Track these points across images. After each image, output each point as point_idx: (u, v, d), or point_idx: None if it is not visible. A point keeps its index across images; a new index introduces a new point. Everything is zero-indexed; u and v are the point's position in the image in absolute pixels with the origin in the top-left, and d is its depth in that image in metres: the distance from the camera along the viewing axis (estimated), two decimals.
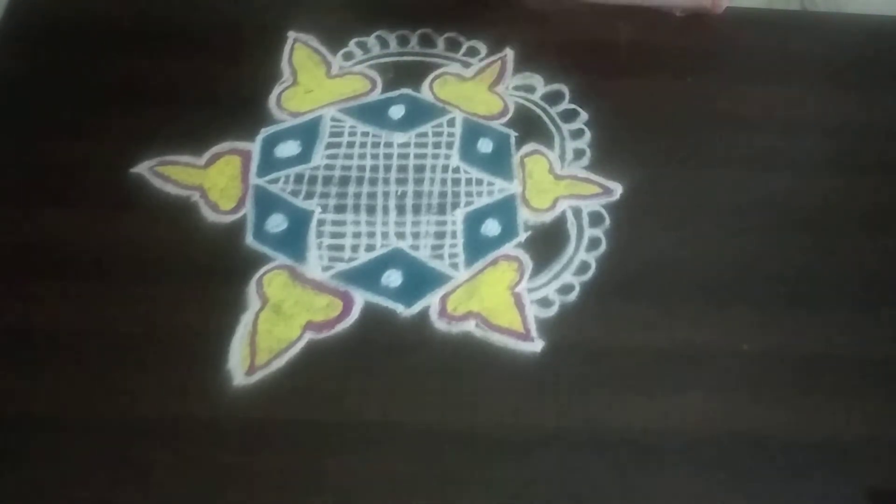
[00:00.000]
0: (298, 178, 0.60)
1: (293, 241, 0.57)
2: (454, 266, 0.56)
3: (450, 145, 0.62)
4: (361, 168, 0.60)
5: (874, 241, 0.60)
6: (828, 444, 0.51)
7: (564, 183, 0.61)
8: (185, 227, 0.57)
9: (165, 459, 0.48)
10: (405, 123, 0.63)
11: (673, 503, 0.49)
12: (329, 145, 0.62)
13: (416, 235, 0.58)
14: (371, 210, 0.58)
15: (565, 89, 0.66)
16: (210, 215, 0.58)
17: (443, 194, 0.60)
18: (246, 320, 0.53)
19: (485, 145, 0.62)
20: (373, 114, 0.64)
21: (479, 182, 0.60)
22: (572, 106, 0.65)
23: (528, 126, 0.64)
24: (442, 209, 0.59)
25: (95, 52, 0.66)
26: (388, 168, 0.61)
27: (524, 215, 0.59)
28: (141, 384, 0.50)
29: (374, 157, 0.61)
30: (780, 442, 0.51)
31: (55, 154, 0.60)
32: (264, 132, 0.62)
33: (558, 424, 0.51)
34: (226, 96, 0.64)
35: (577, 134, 0.64)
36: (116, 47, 0.66)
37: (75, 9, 0.68)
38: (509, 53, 0.68)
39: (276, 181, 0.60)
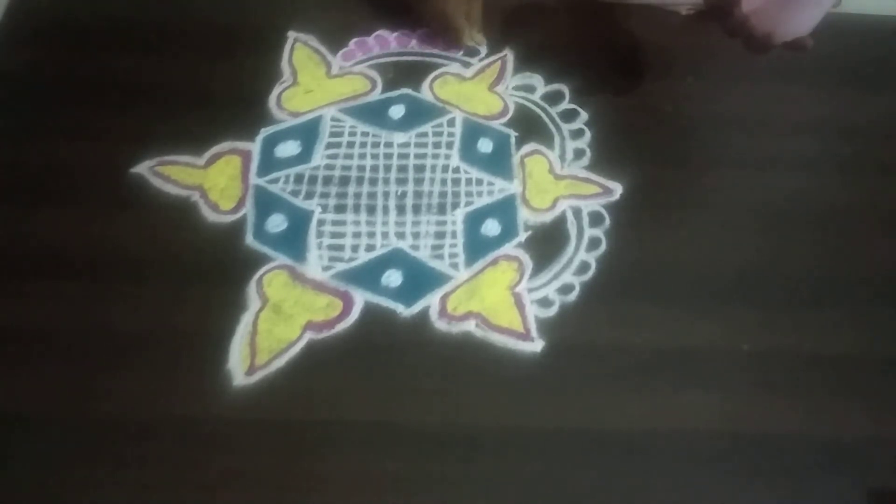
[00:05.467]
0: (298, 178, 0.60)
1: (293, 241, 0.57)
2: (454, 266, 0.56)
3: (450, 145, 0.62)
4: (361, 168, 0.60)
5: (874, 241, 0.60)
6: (828, 444, 0.51)
7: (564, 183, 0.61)
8: (185, 227, 0.57)
9: (165, 460, 0.48)
10: (405, 123, 0.63)
11: (673, 503, 0.49)
12: (329, 145, 0.62)
13: (416, 235, 0.58)
14: (371, 210, 0.58)
15: (565, 89, 0.66)
16: (210, 215, 0.58)
17: (443, 194, 0.60)
18: (246, 320, 0.53)
19: (485, 145, 0.62)
20: (373, 114, 0.64)
21: (479, 182, 0.60)
22: (572, 106, 0.65)
23: (528, 126, 0.64)
24: (442, 209, 0.59)
25: (95, 52, 0.66)
26: (388, 168, 0.61)
27: (524, 215, 0.59)
28: (141, 384, 0.50)
29: (374, 157, 0.61)
30: (780, 442, 0.51)
31: (55, 154, 0.60)
32: (264, 132, 0.62)
33: (558, 424, 0.51)
34: (226, 96, 0.64)
35: (577, 134, 0.64)
36: (116, 47, 0.66)
37: (75, 9, 0.68)
38: (509, 53, 0.68)
39: (276, 181, 0.60)
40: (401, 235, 0.58)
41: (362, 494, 0.48)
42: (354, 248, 0.57)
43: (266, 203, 0.58)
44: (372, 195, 0.59)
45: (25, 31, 0.67)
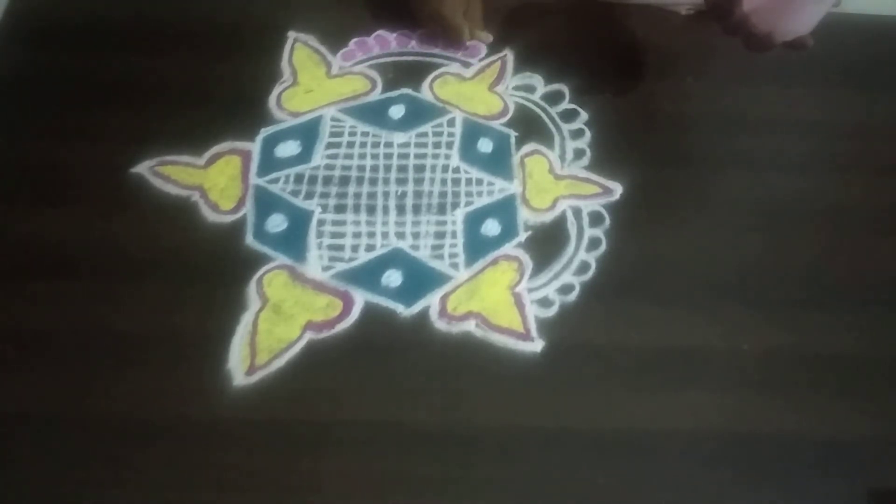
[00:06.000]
0: (298, 178, 0.60)
1: (293, 241, 0.57)
2: (454, 266, 0.56)
3: (450, 145, 0.62)
4: (361, 168, 0.60)
5: (874, 241, 0.60)
6: (828, 444, 0.51)
7: (564, 183, 0.61)
8: (185, 227, 0.57)
9: (165, 460, 0.48)
10: (405, 123, 0.63)
11: (672, 503, 0.49)
12: (329, 145, 0.62)
13: (416, 235, 0.58)
14: (371, 210, 0.58)
15: (565, 89, 0.66)
16: (210, 215, 0.58)
17: (443, 194, 0.60)
18: (246, 320, 0.53)
19: (485, 145, 0.62)
20: (373, 114, 0.64)
21: (479, 182, 0.60)
22: (572, 106, 0.65)
23: (528, 126, 0.64)
24: (442, 209, 0.59)
25: (95, 52, 0.66)
26: (388, 168, 0.61)
27: (524, 215, 0.59)
28: (140, 384, 0.50)
29: (374, 157, 0.61)
30: (780, 442, 0.51)
31: (55, 154, 0.60)
32: (264, 132, 0.62)
33: (558, 424, 0.51)
34: (226, 96, 0.64)
35: (577, 134, 0.64)
36: (116, 47, 0.66)
37: (75, 9, 0.68)
38: (509, 53, 0.68)
39: (276, 181, 0.60)
40: (401, 235, 0.58)
41: (362, 494, 0.48)
42: (354, 248, 0.57)
43: (266, 203, 0.58)
44: (372, 195, 0.59)
45: (25, 31, 0.67)
